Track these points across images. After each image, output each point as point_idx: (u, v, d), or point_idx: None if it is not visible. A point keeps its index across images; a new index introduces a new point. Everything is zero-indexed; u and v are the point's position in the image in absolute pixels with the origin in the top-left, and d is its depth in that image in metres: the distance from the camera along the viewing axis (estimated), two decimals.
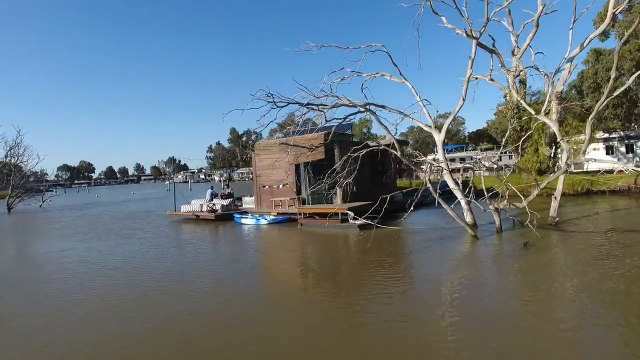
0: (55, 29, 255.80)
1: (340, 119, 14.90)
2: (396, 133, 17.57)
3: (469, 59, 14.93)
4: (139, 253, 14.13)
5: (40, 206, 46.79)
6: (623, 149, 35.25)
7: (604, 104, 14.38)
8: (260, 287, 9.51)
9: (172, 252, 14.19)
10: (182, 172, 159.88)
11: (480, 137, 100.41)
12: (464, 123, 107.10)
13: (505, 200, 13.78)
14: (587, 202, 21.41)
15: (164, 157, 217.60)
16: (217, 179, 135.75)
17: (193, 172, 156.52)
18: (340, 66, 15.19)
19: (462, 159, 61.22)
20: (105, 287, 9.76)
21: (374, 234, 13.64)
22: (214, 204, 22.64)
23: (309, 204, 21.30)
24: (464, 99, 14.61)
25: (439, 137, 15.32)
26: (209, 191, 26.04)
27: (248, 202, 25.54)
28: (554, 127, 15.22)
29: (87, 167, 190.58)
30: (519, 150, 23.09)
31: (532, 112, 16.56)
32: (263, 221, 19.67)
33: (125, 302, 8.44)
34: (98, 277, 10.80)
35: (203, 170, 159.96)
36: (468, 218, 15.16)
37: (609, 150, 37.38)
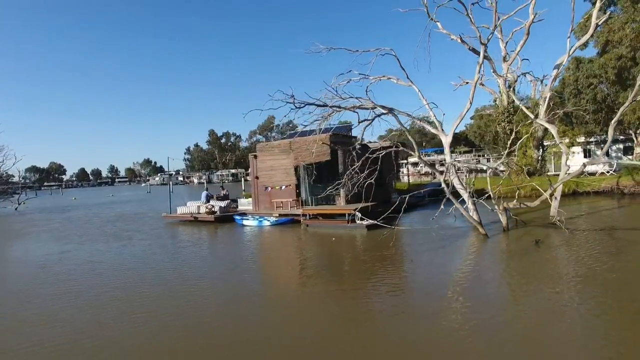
0: (17, 26, 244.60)
1: (343, 123, 15.21)
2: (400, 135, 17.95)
3: (477, 64, 15.38)
4: (148, 254, 13.89)
5: (16, 209, 44.81)
6: (599, 153, 37.15)
7: (624, 109, 14.44)
8: (289, 287, 9.57)
9: (186, 253, 14.02)
10: (159, 174, 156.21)
11: (458, 141, 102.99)
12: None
13: (515, 200, 14.32)
14: (575, 203, 22.43)
15: (139, 158, 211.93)
16: (195, 181, 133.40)
17: (171, 174, 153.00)
18: (343, 68, 15.50)
19: (442, 163, 62.79)
20: (128, 288, 9.60)
21: (383, 234, 13.92)
22: (212, 206, 22.37)
23: (308, 205, 21.40)
24: (471, 102, 15.11)
25: (445, 139, 15.77)
26: (204, 193, 25.74)
27: (244, 204, 25.38)
28: (553, 131, 15.97)
29: (58, 169, 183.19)
30: (512, 153, 23.96)
31: (532, 116, 17.26)
32: (266, 222, 19.60)
33: (154, 301, 8.36)
34: (114, 278, 10.60)
35: (181, 173, 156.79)
36: (474, 217, 15.67)
37: (587, 153, 39.33)
